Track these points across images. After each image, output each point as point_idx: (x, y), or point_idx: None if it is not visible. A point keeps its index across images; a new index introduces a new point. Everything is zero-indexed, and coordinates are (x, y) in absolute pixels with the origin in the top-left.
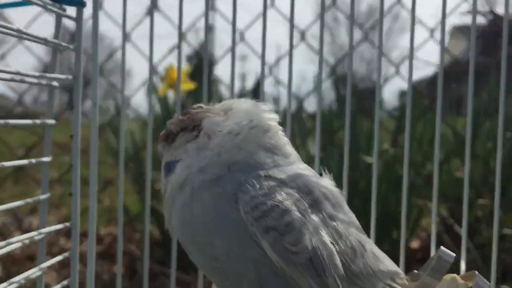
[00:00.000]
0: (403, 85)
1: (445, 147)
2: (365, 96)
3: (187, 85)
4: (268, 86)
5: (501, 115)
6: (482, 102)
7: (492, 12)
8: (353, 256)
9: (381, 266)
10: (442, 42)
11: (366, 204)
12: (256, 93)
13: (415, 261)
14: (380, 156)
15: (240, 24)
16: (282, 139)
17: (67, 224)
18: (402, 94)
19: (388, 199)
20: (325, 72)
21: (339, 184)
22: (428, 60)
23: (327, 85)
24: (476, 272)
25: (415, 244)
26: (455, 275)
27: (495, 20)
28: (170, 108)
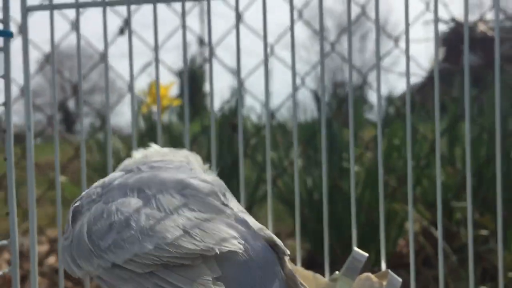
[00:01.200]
0: (394, 92)
1: (425, 152)
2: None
3: (171, 101)
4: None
5: (467, 120)
6: (458, 107)
7: (454, 19)
8: (105, 233)
9: (145, 239)
10: (407, 51)
11: (350, 211)
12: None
13: (403, 265)
14: (361, 163)
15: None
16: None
17: (5, 242)
18: (388, 101)
19: (372, 205)
20: (311, 81)
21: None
22: (400, 72)
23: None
24: (389, 270)
25: (401, 248)
26: (369, 273)
27: (457, 27)
28: (154, 124)
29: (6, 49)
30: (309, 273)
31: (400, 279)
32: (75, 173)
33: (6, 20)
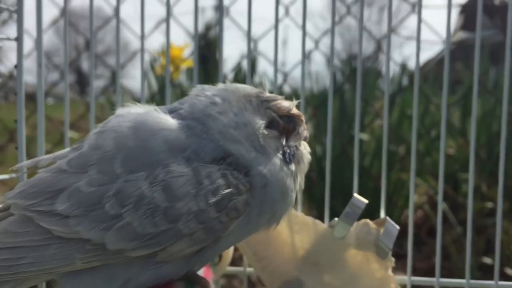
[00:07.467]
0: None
1: (437, 124)
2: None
3: (186, 62)
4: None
5: (475, 98)
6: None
7: None
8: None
9: None
10: (418, 23)
11: (360, 179)
12: (253, 72)
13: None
14: (372, 132)
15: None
16: None
17: (14, 175)
18: (402, 71)
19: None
20: (326, 49)
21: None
22: (410, 36)
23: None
24: (387, 218)
25: (407, 218)
26: (367, 220)
27: None
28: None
29: None
30: (309, 219)
31: (397, 227)
32: (86, 130)
33: None
